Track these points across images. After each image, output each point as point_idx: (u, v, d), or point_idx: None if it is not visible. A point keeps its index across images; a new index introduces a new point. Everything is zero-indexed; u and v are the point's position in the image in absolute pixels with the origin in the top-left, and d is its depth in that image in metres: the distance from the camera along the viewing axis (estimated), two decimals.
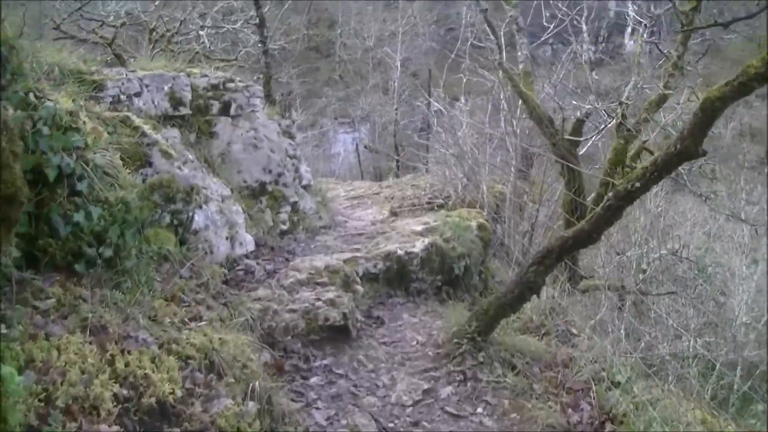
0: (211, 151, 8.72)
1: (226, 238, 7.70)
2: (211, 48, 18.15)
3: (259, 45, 13.38)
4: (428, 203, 13.44)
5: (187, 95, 8.25)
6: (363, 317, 7.61)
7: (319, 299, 6.99)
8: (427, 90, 17.71)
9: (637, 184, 5.89)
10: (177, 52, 18.22)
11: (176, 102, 8.13)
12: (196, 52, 21.27)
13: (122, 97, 7.49)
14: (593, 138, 10.41)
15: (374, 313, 7.86)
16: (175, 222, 6.82)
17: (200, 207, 7.22)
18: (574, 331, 8.30)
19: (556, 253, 6.47)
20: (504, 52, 10.58)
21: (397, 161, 22.78)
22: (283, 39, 22.91)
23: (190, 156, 8.03)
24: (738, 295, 16.55)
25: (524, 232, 12.73)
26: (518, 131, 12.81)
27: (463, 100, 15.83)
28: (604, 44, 58.32)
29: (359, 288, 7.77)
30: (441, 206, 13.28)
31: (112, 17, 17.88)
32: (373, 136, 36.28)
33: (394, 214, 12.89)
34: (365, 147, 31.88)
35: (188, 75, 8.51)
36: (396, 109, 24.90)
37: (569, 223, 10.42)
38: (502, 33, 11.60)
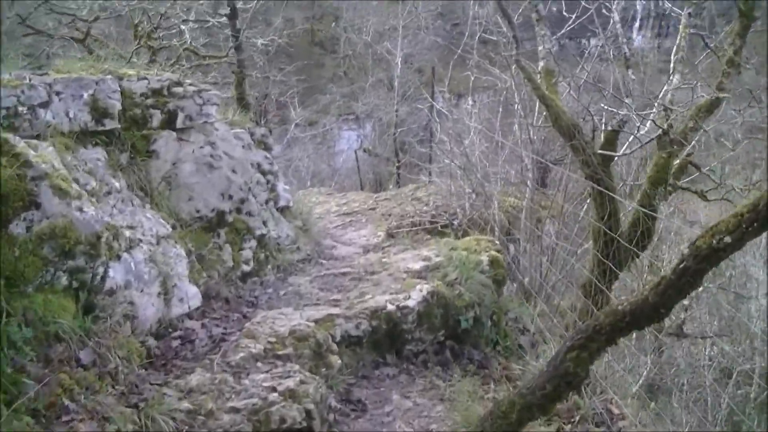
0: (150, 175, 6.65)
1: (159, 295, 5.66)
2: (193, 45, 16.03)
3: (232, 39, 11.25)
4: (431, 222, 11.36)
5: (115, 104, 6.17)
6: (339, 402, 5.55)
7: (274, 389, 4.92)
8: (430, 90, 15.53)
9: (727, 239, 3.84)
10: (157, 48, 16.23)
11: (100, 113, 6.05)
12: (185, 49, 19.35)
13: (21, 109, 5.42)
14: (633, 151, 8.25)
15: (354, 395, 5.80)
16: (76, 284, 4.81)
17: (118, 258, 5.18)
18: (615, 410, 6.23)
19: (607, 334, 4.42)
20: (520, 46, 8.52)
21: (398, 168, 20.65)
22: (278, 34, 20.77)
23: (116, 184, 6.00)
24: (755, 299, 14.73)
25: (542, 255, 10.63)
26: (535, 138, 10.72)
27: (470, 102, 13.69)
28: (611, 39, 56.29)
29: (335, 361, 5.71)
30: (445, 227, 11.20)
31: (85, 11, 15.80)
32: (375, 135, 34.12)
33: (390, 236, 10.84)
34: (364, 151, 29.64)
35: (119, 78, 6.42)
36: (396, 111, 22.68)
37: (600, 261, 8.33)
38: (516, 23, 9.48)
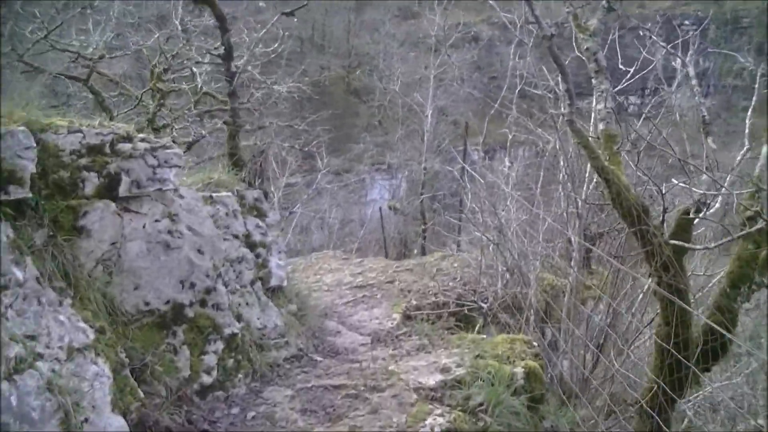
0: (79, 259, 4.86)
1: None
2: (204, 88, 14.46)
3: (226, 81, 9.54)
4: (457, 303, 9.47)
5: (27, 165, 4.41)
6: None
7: None
8: (462, 148, 13.65)
9: None
10: (166, 91, 14.70)
11: (3, 177, 4.31)
12: (204, 93, 17.80)
13: None
14: (721, 244, 6.32)
15: None
16: None
17: None
18: None
19: None
20: (574, 102, 6.72)
21: (424, 232, 18.72)
22: (302, 81, 19.20)
23: (18, 274, 4.28)
24: None
25: (587, 345, 8.67)
26: (582, 213, 8.82)
27: (507, 162, 11.84)
28: (651, 97, 54.30)
29: None
30: (473, 310, 9.31)
31: (90, 50, 14.28)
32: (404, 191, 32.32)
33: (408, 317, 8.97)
34: (390, 208, 27.78)
35: (41, 130, 4.71)
36: (425, 169, 20.70)
37: (664, 372, 6.35)
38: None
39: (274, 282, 7.26)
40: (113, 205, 5.04)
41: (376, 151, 44.18)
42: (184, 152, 16.26)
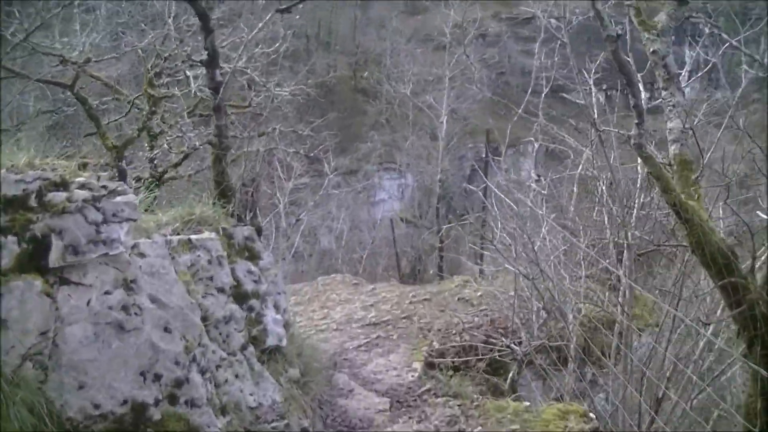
0: None
1: None
2: (198, 94, 12.99)
3: (209, 92, 8.06)
4: (488, 346, 8.02)
5: None
6: None
7: None
8: (484, 163, 11.97)
9: None
10: (159, 97, 13.26)
11: None
12: (201, 99, 16.31)
13: None
14: None
15: None
16: None
17: None
18: None
19: None
20: (644, 121, 5.23)
21: (440, 249, 17.09)
22: (305, 82, 17.78)
23: None
24: None
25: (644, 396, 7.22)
26: (634, 245, 7.35)
27: (534, 175, 10.36)
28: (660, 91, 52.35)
29: None
30: (505, 355, 7.87)
31: (75, 53, 12.86)
32: (416, 199, 30.72)
33: (430, 366, 7.55)
34: (402, 219, 26.18)
35: None
36: (440, 181, 18.95)
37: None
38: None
39: (270, 341, 5.84)
40: (38, 281, 3.60)
41: (384, 150, 42.68)
42: (179, 164, 14.85)
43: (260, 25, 8.06)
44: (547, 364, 7.95)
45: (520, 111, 12.61)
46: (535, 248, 7.91)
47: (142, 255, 4.30)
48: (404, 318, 9.01)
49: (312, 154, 19.07)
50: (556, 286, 7.53)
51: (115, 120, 13.79)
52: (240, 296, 5.69)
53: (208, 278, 5.33)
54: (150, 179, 14.15)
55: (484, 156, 11.09)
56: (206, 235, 5.57)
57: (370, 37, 48.80)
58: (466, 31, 13.10)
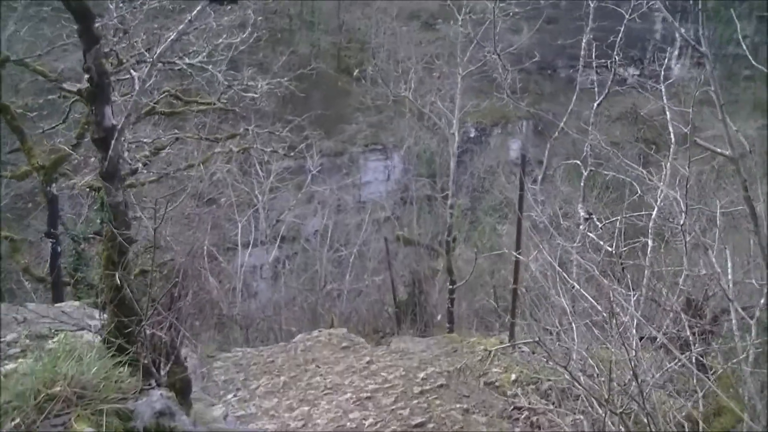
0: None
1: None
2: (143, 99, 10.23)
3: (96, 148, 5.22)
4: None
5: None
6: None
7: None
8: (519, 197, 9.07)
9: None
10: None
11: None
12: (165, 92, 13.53)
13: None
14: None
15: None
16: None
17: None
18: None
19: None
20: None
21: (451, 294, 14.04)
22: (284, 74, 15.02)
23: None
24: None
25: None
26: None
27: (583, 212, 7.59)
28: (648, 66, 49.64)
29: None
30: None
31: None
32: (414, 214, 27.78)
33: None
34: (397, 238, 23.22)
35: None
36: (451, 207, 15.64)
37: None
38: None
39: None
40: None
41: (369, 132, 39.87)
42: (135, 170, 12.05)
43: (192, 14, 5.26)
44: None
45: (562, 124, 9.88)
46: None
47: None
48: (417, 427, 6.27)
49: (292, 154, 16.24)
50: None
51: (51, 128, 10.99)
52: None
53: None
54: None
55: (518, 187, 8.40)
56: None
57: (354, 15, 45.59)
58: (494, 21, 10.38)
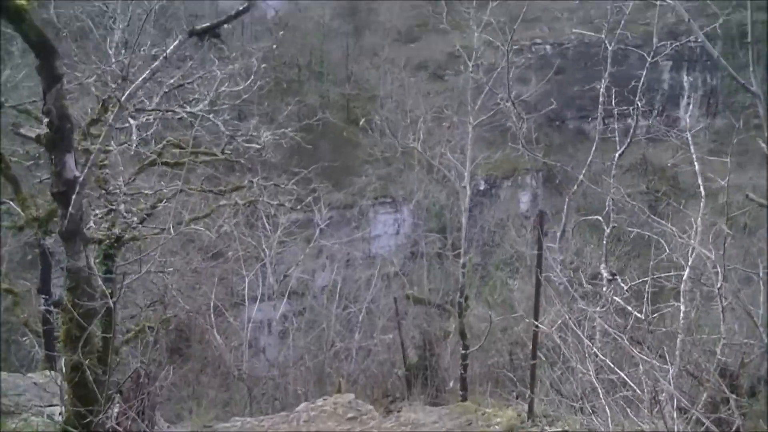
0: None
1: None
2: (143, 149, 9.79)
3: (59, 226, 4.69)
4: None
5: None
6: None
7: None
8: (537, 257, 8.40)
9: None
10: (93, 151, 9.87)
11: None
12: (167, 142, 13.09)
13: None
14: None
15: None
16: None
17: None
18: None
19: None
20: None
21: (464, 359, 13.21)
22: (288, 125, 14.66)
23: None
24: None
25: None
26: None
27: (606, 273, 6.93)
28: (659, 117, 49.05)
29: None
30: None
31: None
32: (424, 270, 27.15)
33: None
34: (407, 296, 22.57)
35: None
36: (463, 266, 14.91)
37: None
38: None
39: None
40: None
41: (379, 184, 39.44)
42: (140, 222, 11.54)
43: (168, 51, 4.75)
44: None
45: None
46: None
47: None
48: None
49: (299, 207, 15.72)
50: None
51: (48, 178, 10.46)
52: None
53: None
54: (107, 242, 10.94)
55: (536, 244, 7.80)
56: None
57: (363, 66, 45.58)
58: (508, 68, 9.95)
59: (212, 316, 18.17)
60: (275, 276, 20.40)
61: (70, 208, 3.97)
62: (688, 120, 50.97)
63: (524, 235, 31.25)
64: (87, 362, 3.60)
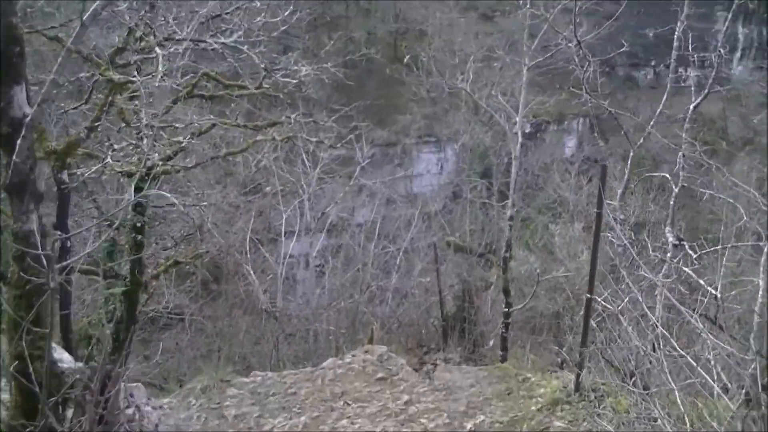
0: None
1: None
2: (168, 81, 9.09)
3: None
4: None
5: None
6: None
7: None
8: (595, 220, 7.58)
9: None
10: (120, 83, 9.34)
11: None
12: (203, 74, 12.45)
13: None
14: None
15: None
16: None
17: None
18: None
19: None
20: None
21: (507, 318, 12.32)
22: (331, 60, 13.82)
23: None
24: None
25: None
26: None
27: (672, 238, 6.15)
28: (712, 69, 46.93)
29: None
30: None
31: None
32: (466, 217, 26.23)
33: None
34: (447, 244, 21.81)
35: None
36: (510, 218, 13.84)
37: None
38: None
39: None
40: None
41: (423, 123, 38.47)
42: (171, 157, 10.97)
43: None
44: None
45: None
46: None
47: None
48: None
49: (339, 145, 15.02)
50: None
51: (74, 108, 9.92)
52: None
53: None
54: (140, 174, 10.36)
55: (596, 204, 6.98)
56: None
57: (411, 4, 44.16)
58: (575, 4, 9.01)
59: (248, 251, 17.81)
60: (313, 213, 19.92)
61: (14, 156, 3.17)
62: (739, 72, 48.90)
63: (568, 180, 30.38)
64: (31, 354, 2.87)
